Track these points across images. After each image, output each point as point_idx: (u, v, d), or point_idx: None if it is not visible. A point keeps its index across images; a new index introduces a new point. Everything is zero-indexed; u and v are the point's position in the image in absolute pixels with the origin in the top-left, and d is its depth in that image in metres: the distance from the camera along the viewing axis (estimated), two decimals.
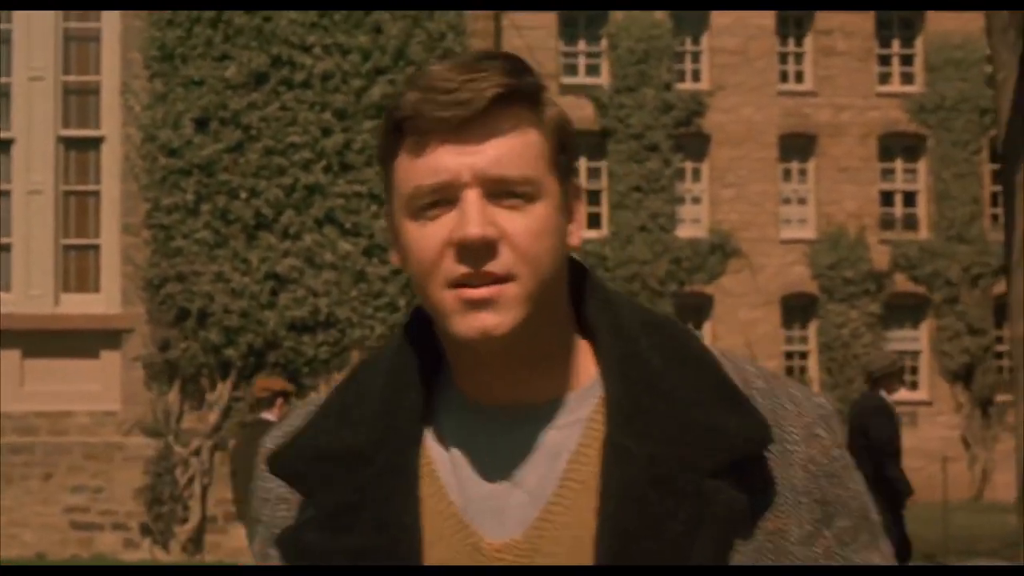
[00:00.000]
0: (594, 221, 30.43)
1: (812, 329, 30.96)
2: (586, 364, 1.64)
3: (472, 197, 1.52)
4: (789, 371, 30.63)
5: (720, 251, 30.43)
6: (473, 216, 1.51)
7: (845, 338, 30.48)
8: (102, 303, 16.13)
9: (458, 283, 1.53)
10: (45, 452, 16.14)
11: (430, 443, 1.62)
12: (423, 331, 1.65)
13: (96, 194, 15.84)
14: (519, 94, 1.55)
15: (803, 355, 31.01)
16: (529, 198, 1.54)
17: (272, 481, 1.68)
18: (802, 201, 31.19)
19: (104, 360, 16.11)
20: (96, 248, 15.93)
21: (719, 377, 1.60)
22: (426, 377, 1.64)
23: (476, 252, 1.51)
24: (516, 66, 1.57)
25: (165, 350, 16.02)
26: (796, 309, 30.85)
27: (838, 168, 31.06)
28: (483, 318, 1.52)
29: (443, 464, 1.61)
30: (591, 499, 1.55)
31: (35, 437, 16.27)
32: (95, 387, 16.06)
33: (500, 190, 1.53)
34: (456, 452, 1.61)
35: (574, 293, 1.65)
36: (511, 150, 1.54)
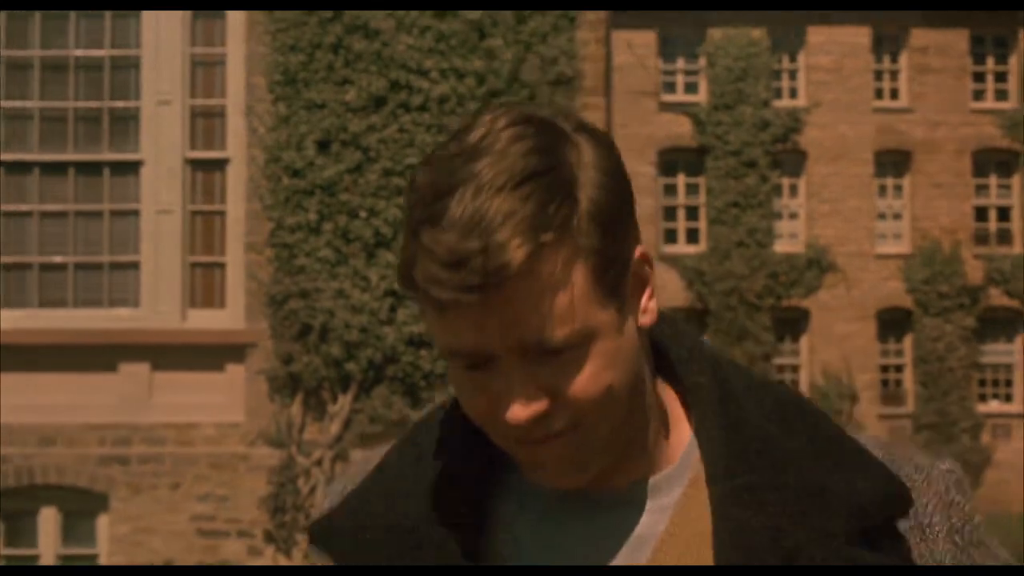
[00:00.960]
0: (692, 236, 30.72)
1: (907, 343, 31.04)
2: (677, 437, 1.43)
3: (508, 368, 1.28)
4: (884, 384, 30.73)
5: (816, 266, 30.58)
6: (514, 397, 1.28)
7: (940, 352, 30.55)
8: (227, 319, 16.49)
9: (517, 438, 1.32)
10: (173, 462, 16.51)
11: (495, 525, 1.42)
12: None
13: (222, 214, 16.21)
14: (548, 230, 1.25)
15: (898, 368, 31.09)
16: (582, 346, 1.28)
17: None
18: (897, 216, 31.29)
19: (229, 373, 16.46)
20: (222, 266, 16.30)
21: (839, 435, 1.39)
22: (488, 451, 1.41)
23: (527, 426, 1.29)
24: (544, 195, 1.25)
25: (288, 364, 16.36)
26: (891, 323, 30.97)
27: (932, 184, 31.13)
28: (554, 474, 1.34)
29: (509, 550, 1.41)
30: None
31: (163, 448, 16.68)
32: (220, 399, 16.40)
33: (544, 350, 1.27)
34: (525, 537, 1.41)
35: (655, 346, 1.43)
36: (550, 310, 1.25)
